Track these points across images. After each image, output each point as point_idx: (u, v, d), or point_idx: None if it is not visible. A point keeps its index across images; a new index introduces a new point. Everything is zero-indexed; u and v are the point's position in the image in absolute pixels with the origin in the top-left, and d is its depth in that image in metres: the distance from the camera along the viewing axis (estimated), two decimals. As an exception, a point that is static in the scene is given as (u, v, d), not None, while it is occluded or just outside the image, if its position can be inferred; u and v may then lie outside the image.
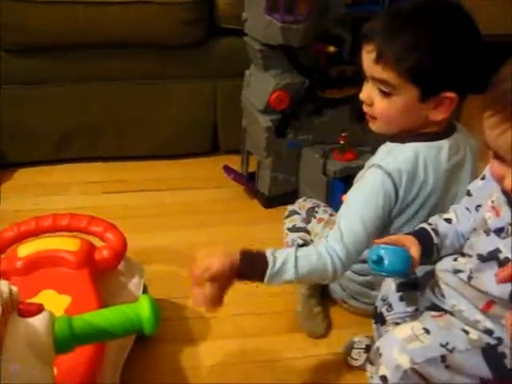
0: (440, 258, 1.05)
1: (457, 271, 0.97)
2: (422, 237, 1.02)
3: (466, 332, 0.94)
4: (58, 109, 1.83)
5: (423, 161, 1.12)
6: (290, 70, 1.56)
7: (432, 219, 1.07)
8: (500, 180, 0.80)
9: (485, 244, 0.89)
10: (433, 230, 1.04)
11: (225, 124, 1.90)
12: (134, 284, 1.18)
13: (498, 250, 0.86)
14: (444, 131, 1.13)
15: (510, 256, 0.83)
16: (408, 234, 1.04)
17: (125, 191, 1.79)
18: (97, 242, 1.16)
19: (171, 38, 1.72)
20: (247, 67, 1.67)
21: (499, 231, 0.86)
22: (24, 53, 1.72)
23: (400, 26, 1.08)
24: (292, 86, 1.55)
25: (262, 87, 1.57)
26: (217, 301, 1.04)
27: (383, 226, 1.14)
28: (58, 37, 1.70)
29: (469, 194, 1.01)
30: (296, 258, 1.05)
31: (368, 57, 1.10)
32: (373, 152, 1.66)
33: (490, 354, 0.91)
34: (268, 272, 1.02)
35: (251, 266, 1.03)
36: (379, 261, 0.96)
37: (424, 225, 1.06)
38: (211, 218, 1.67)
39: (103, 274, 1.11)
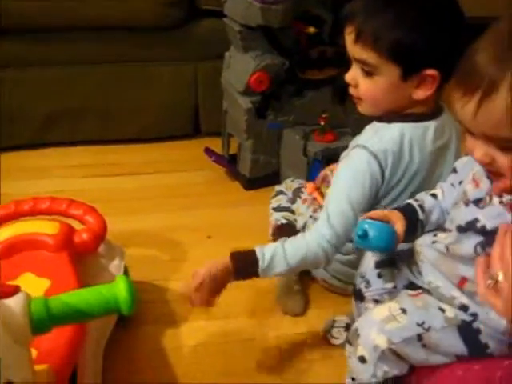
0: (420, 234, 1.06)
1: (435, 242, 0.98)
2: (408, 212, 1.04)
3: (443, 310, 0.95)
4: (41, 92, 1.82)
5: (409, 141, 1.12)
6: (270, 51, 1.55)
7: (419, 195, 1.09)
8: (471, 153, 0.81)
9: (464, 214, 0.90)
10: (419, 206, 1.05)
11: (206, 106, 1.89)
12: (115, 266, 1.18)
13: (476, 220, 0.86)
14: (431, 112, 1.13)
15: (487, 224, 0.84)
16: (394, 208, 1.05)
17: (107, 175, 1.79)
18: (77, 226, 1.16)
19: (151, 20, 1.71)
20: (227, 49, 1.67)
21: (478, 202, 0.87)
22: (4, 35, 1.70)
23: (378, 6, 1.08)
24: (272, 67, 1.54)
25: (241, 69, 1.57)
26: (210, 302, 1.11)
27: (370, 206, 1.15)
28: (36, 19, 1.68)
29: (454, 170, 1.02)
30: (284, 250, 1.09)
31: (349, 38, 1.10)
32: (353, 133, 1.68)
33: (466, 330, 0.93)
34: (259, 268, 1.08)
35: (244, 265, 1.10)
36: (364, 235, 0.98)
37: (411, 200, 1.07)
38: (193, 200, 1.68)
39: (83, 256, 1.11)
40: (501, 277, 0.63)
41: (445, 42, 1.06)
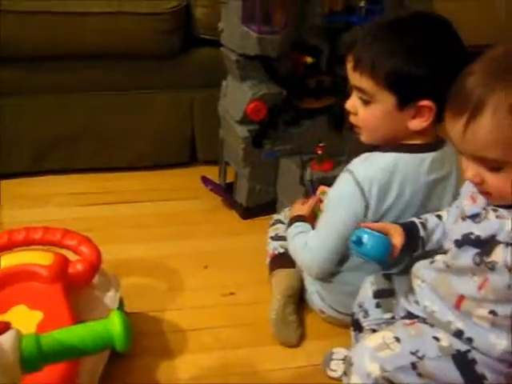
0: (417, 260, 1.06)
1: (433, 262, 0.98)
2: (409, 228, 1.05)
3: (437, 339, 0.95)
4: (37, 120, 1.81)
5: (401, 172, 1.12)
6: (267, 80, 1.55)
7: (424, 215, 1.10)
8: (464, 173, 0.83)
9: (460, 229, 0.91)
10: (421, 223, 1.07)
11: (202, 135, 1.89)
12: (110, 297, 1.16)
13: (471, 233, 0.88)
14: (428, 144, 1.13)
15: (481, 235, 0.85)
16: (395, 223, 1.07)
17: (103, 203, 1.77)
18: (72, 256, 1.14)
19: (149, 49, 1.71)
20: (224, 78, 1.67)
21: (474, 217, 0.89)
22: (1, 63, 1.70)
23: (377, 34, 1.09)
24: (269, 96, 1.54)
25: (238, 98, 1.57)
26: None
27: None
28: (35, 47, 1.68)
29: (459, 194, 1.02)
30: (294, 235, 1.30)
31: (349, 65, 1.11)
32: (349, 162, 1.67)
33: (461, 360, 0.92)
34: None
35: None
36: (358, 242, 1.00)
37: (414, 218, 1.08)
38: (189, 229, 1.66)
39: (78, 288, 1.10)
40: None
41: (443, 72, 1.05)
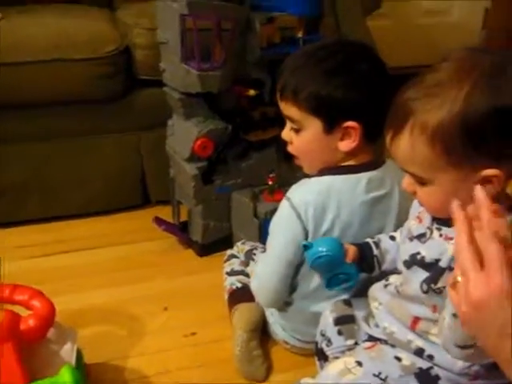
0: (374, 281, 1.07)
1: (387, 286, 0.99)
2: (362, 246, 1.08)
3: (399, 359, 0.95)
4: (-21, 171, 1.77)
5: (336, 194, 1.13)
6: (212, 116, 1.56)
7: (378, 235, 1.12)
8: (413, 193, 0.85)
9: (408, 249, 0.93)
10: (374, 242, 1.10)
11: (153, 175, 1.88)
12: (66, 351, 1.12)
13: (418, 253, 0.89)
14: (363, 164, 1.15)
15: (426, 256, 0.87)
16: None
17: (53, 253, 1.72)
18: (24, 312, 1.10)
19: (90, 94, 1.69)
20: (170, 117, 1.67)
21: (420, 236, 0.91)
22: None
23: (299, 62, 1.13)
24: (215, 131, 1.55)
25: (185, 136, 1.57)
26: None
27: (300, 258, 1.18)
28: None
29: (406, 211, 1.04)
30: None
31: (277, 95, 1.14)
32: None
33: (425, 378, 0.93)
34: None
35: None
36: (309, 246, 1.05)
37: (367, 239, 1.11)
38: (146, 271, 1.63)
39: (31, 344, 1.06)
40: (459, 279, 0.66)
41: (362, 93, 1.09)
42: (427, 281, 0.87)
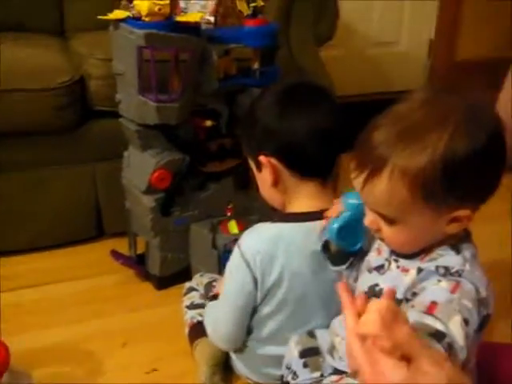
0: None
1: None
2: None
3: None
4: None
5: (285, 242, 1.12)
6: (169, 147, 1.54)
7: None
8: (376, 231, 0.85)
9: (367, 281, 0.93)
10: None
11: (108, 207, 1.83)
12: (22, 396, 1.08)
13: (376, 285, 0.90)
14: (315, 212, 1.12)
15: (384, 288, 0.87)
16: None
17: (4, 290, 1.63)
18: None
19: (44, 125, 1.65)
20: (125, 148, 1.64)
21: (379, 268, 0.91)
22: None
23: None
24: (172, 163, 1.53)
25: (142, 167, 1.54)
26: None
27: (252, 306, 1.19)
28: None
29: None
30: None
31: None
32: (259, 220, 1.68)
33: None
34: None
35: None
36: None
37: None
38: (103, 306, 1.58)
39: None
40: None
41: (269, 129, 1.11)
42: None
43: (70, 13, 2.11)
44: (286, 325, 1.19)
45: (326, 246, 1.05)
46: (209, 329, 1.29)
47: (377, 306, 0.63)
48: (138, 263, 1.68)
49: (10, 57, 1.65)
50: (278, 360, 1.18)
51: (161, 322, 1.52)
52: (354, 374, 0.67)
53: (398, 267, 0.87)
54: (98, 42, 1.79)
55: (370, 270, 0.94)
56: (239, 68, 1.62)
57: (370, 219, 0.85)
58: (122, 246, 1.74)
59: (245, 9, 1.58)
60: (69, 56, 1.78)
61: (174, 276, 1.64)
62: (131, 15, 1.46)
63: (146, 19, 1.42)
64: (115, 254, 1.68)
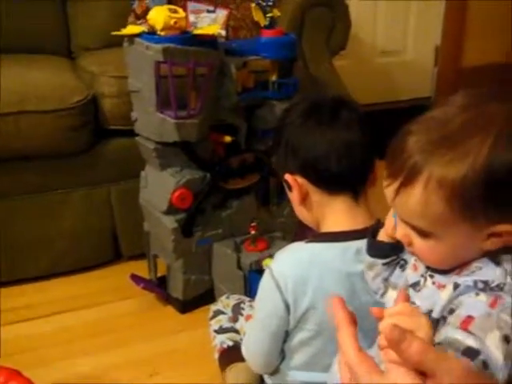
0: None
1: None
2: None
3: None
4: None
5: (320, 264, 1.05)
6: (189, 165, 1.49)
7: None
8: (409, 244, 0.78)
9: None
10: None
11: (124, 229, 1.77)
12: None
13: (412, 303, 0.81)
14: (351, 232, 1.06)
15: (421, 306, 0.79)
16: None
17: (19, 320, 1.57)
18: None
19: (55, 148, 1.59)
20: (140, 168, 1.58)
21: (415, 285, 0.84)
22: None
23: None
24: (193, 182, 1.47)
25: (161, 187, 1.49)
26: None
27: (285, 330, 1.12)
28: None
29: None
30: None
31: None
32: (283, 237, 1.63)
33: None
34: None
35: None
36: None
37: None
38: (125, 335, 1.52)
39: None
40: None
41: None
42: None
43: (75, 33, 2.07)
44: (324, 350, 1.12)
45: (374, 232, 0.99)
46: (243, 349, 1.22)
47: (380, 326, 0.59)
48: (159, 287, 1.61)
49: (21, 78, 1.60)
50: None
51: (188, 347, 1.45)
52: None
53: (433, 283, 0.80)
54: (108, 59, 1.75)
55: (406, 288, 0.88)
56: (256, 81, 1.57)
57: (401, 232, 0.78)
58: (140, 269, 1.68)
59: (262, 19, 1.53)
60: (79, 76, 1.73)
61: (197, 299, 1.57)
62: (145, 30, 1.42)
63: (162, 33, 1.37)
64: (135, 278, 1.62)
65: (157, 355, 1.44)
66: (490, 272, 0.72)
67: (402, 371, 0.56)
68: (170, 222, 1.48)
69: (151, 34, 1.39)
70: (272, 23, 1.54)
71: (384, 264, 0.94)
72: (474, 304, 0.69)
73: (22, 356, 1.41)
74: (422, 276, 0.84)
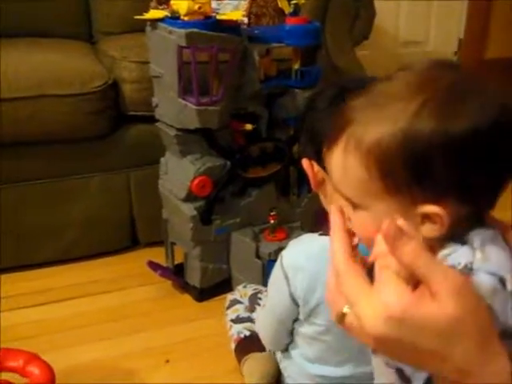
0: None
1: None
2: None
3: None
4: None
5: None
6: (209, 153, 1.47)
7: None
8: (347, 219, 0.68)
9: None
10: None
11: (142, 215, 1.76)
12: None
13: None
14: None
15: None
16: None
17: (34, 305, 1.57)
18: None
19: (76, 132, 1.59)
20: (160, 154, 1.57)
21: None
22: None
23: None
24: (213, 169, 1.46)
25: (181, 174, 1.47)
26: None
27: (294, 318, 1.12)
28: None
29: None
30: None
31: None
32: (302, 227, 1.61)
33: None
34: None
35: None
36: None
37: None
38: (141, 321, 1.51)
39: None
40: (346, 309, 0.57)
41: None
42: None
43: (96, 17, 2.06)
44: (335, 347, 1.10)
45: None
46: (256, 325, 1.28)
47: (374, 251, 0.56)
48: (176, 274, 1.60)
49: (41, 62, 1.59)
50: (329, 380, 1.11)
51: (204, 336, 1.44)
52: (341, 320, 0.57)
53: None
54: (129, 45, 1.73)
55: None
56: (279, 68, 1.55)
57: (337, 205, 0.68)
58: (157, 256, 1.67)
59: (286, 7, 1.50)
60: (100, 60, 1.72)
61: (214, 287, 1.56)
62: (168, 15, 1.40)
63: (185, 18, 1.35)
64: (153, 265, 1.61)
65: (172, 343, 1.43)
66: (456, 255, 0.63)
67: (390, 274, 0.53)
68: (189, 210, 1.46)
69: (174, 18, 1.37)
70: (296, 10, 1.52)
71: None
72: None
73: (36, 340, 1.41)
74: None
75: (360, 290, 0.55)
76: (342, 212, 0.63)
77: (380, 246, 0.55)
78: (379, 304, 0.52)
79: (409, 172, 0.60)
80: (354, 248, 0.61)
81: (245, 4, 1.95)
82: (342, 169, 0.64)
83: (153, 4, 1.96)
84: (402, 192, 0.62)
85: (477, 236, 0.63)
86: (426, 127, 0.59)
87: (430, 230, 0.62)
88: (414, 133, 0.59)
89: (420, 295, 0.52)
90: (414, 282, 0.53)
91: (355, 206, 0.66)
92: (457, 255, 0.62)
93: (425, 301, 0.51)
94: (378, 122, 0.61)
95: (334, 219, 0.63)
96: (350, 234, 0.62)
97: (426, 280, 0.52)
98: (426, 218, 0.62)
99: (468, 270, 0.60)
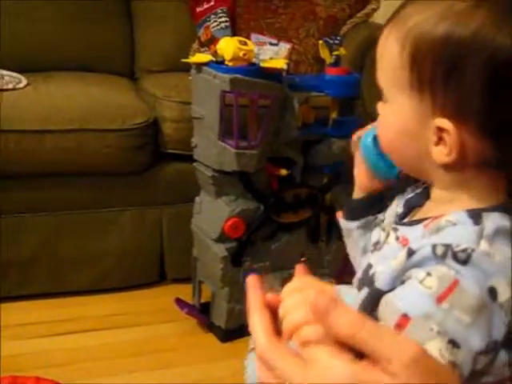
0: None
1: None
2: None
3: None
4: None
5: None
6: (244, 195, 1.50)
7: None
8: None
9: (364, 263, 0.68)
10: None
11: (172, 252, 1.78)
12: None
13: (369, 266, 0.65)
14: None
15: (377, 270, 0.62)
16: None
17: (63, 333, 1.59)
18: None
19: (114, 166, 1.63)
20: (194, 193, 1.59)
21: (376, 244, 0.69)
22: None
23: None
24: (247, 212, 1.48)
25: (214, 215, 1.49)
26: None
27: None
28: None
29: None
30: None
31: None
32: (330, 274, 1.61)
33: None
34: None
35: None
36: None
37: None
38: (163, 357, 1.52)
39: None
40: None
41: None
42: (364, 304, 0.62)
43: (139, 54, 2.12)
44: None
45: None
46: None
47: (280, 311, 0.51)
48: (202, 313, 1.61)
49: (84, 97, 1.64)
50: None
51: (225, 376, 1.44)
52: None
53: (397, 238, 0.63)
54: (170, 83, 1.79)
55: (372, 250, 0.70)
56: (317, 117, 1.58)
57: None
58: (183, 292, 1.68)
59: (328, 57, 1.54)
60: (141, 97, 1.77)
61: (239, 329, 1.56)
62: (213, 59, 1.44)
63: (230, 64, 1.39)
64: (180, 303, 1.62)
65: (195, 381, 1.43)
66: (460, 231, 0.56)
67: (327, 350, 0.46)
68: (221, 250, 1.48)
69: (219, 63, 1.41)
70: (337, 61, 1.55)
71: (359, 228, 0.77)
72: (417, 295, 0.54)
73: (62, 368, 1.42)
74: (384, 230, 0.68)
75: (293, 368, 0.48)
76: (259, 286, 0.57)
77: (296, 315, 0.50)
78: (325, 377, 0.45)
79: (437, 69, 0.57)
80: (275, 322, 0.53)
81: (285, 51, 2.00)
82: (381, 53, 0.62)
83: (195, 46, 2.02)
84: (425, 92, 0.58)
85: (492, 222, 0.56)
86: (471, 30, 0.55)
87: (439, 154, 0.58)
88: (457, 32, 0.55)
89: (367, 365, 0.45)
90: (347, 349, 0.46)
91: (384, 101, 0.63)
92: (460, 232, 0.55)
93: (375, 370, 0.44)
94: (426, 12, 0.58)
95: (251, 294, 0.56)
96: (271, 307, 0.55)
97: (373, 353, 0.45)
98: (440, 137, 0.58)
99: (466, 256, 0.53)
